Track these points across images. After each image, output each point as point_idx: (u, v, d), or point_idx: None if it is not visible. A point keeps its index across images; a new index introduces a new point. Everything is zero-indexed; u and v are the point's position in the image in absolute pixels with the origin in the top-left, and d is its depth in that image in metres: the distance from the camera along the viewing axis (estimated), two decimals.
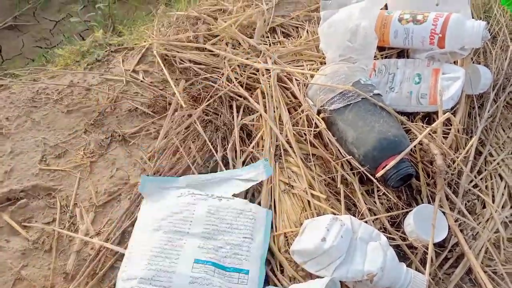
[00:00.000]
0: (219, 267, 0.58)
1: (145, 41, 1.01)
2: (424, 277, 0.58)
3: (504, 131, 0.82)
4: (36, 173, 0.76)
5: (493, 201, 0.72)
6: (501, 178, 0.75)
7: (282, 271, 0.62)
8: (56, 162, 0.78)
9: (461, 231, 0.65)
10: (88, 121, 0.83)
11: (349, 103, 0.71)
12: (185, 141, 0.77)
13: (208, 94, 0.82)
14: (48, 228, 0.69)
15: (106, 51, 1.02)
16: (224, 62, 0.86)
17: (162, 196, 0.68)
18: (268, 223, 0.65)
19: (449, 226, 0.65)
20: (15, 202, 0.72)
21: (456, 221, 0.66)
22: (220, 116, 0.80)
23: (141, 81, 0.90)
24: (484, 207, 0.71)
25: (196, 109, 0.80)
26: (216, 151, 0.75)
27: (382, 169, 0.66)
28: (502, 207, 0.71)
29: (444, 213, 0.66)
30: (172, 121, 0.80)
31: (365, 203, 0.67)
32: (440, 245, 0.66)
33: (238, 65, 0.86)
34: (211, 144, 0.76)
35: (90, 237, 0.68)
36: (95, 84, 0.91)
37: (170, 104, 0.83)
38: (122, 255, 0.65)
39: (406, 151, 0.66)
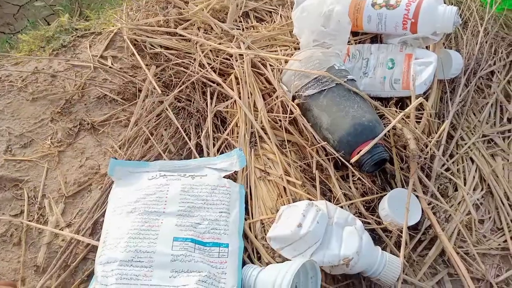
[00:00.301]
0: (198, 243, 0.58)
1: (113, 26, 0.98)
2: (399, 260, 0.59)
3: (475, 115, 0.83)
4: (1, 163, 0.73)
5: (465, 184, 0.73)
6: (472, 161, 0.76)
7: (259, 258, 0.61)
8: (22, 152, 0.75)
9: (434, 214, 0.66)
10: (55, 109, 0.80)
11: (323, 88, 0.70)
12: (157, 129, 0.75)
13: (180, 80, 0.80)
14: (16, 220, 0.67)
15: (72, 36, 0.98)
16: (196, 47, 0.84)
17: (132, 180, 0.66)
18: (242, 198, 0.65)
19: (422, 209, 0.66)
20: None
21: (429, 204, 0.67)
22: (193, 102, 0.78)
23: (110, 67, 0.87)
24: (456, 190, 0.72)
25: (167, 95, 0.78)
26: (190, 139, 0.73)
27: (357, 154, 0.66)
28: (474, 189, 0.73)
29: (417, 196, 0.67)
30: (142, 108, 0.78)
31: (340, 188, 0.67)
32: (414, 228, 0.67)
33: (211, 50, 0.84)
34: (184, 132, 0.74)
35: (60, 229, 0.65)
36: (61, 70, 0.88)
37: (140, 91, 0.81)
38: (94, 246, 0.63)
39: (380, 136, 0.66)
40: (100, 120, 0.78)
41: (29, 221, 0.67)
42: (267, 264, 0.60)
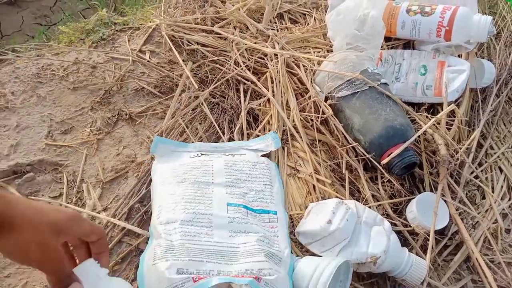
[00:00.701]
0: (249, 209, 0.61)
1: (151, 22, 1.01)
2: (425, 262, 0.60)
3: (505, 125, 0.83)
4: (43, 148, 0.76)
5: (493, 192, 0.73)
6: (501, 170, 0.77)
7: None
8: (63, 138, 0.78)
9: (462, 220, 0.67)
10: (95, 98, 0.83)
11: (356, 90, 0.72)
12: (192, 122, 0.78)
13: (216, 77, 0.83)
14: (55, 202, 0.70)
15: (111, 30, 1.01)
16: (232, 46, 0.87)
17: (174, 158, 0.69)
18: (279, 175, 0.69)
19: (450, 214, 0.67)
20: (22, 176, 0.72)
21: (457, 210, 0.67)
22: (227, 99, 0.80)
23: (148, 61, 0.90)
24: (483, 198, 0.73)
25: (203, 91, 0.81)
26: (223, 133, 0.76)
27: (388, 156, 0.67)
28: (501, 198, 0.73)
29: (445, 201, 0.67)
30: (179, 102, 0.80)
31: (369, 189, 0.68)
32: (440, 233, 0.68)
33: (246, 49, 0.86)
34: (218, 126, 0.77)
35: (97, 212, 0.68)
36: (101, 62, 0.91)
37: (177, 85, 0.84)
38: (129, 230, 0.66)
39: (411, 140, 0.67)
40: (138, 111, 0.81)
41: (68, 203, 0.70)
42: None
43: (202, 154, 0.68)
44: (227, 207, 0.60)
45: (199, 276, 0.51)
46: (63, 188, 0.72)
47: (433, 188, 0.70)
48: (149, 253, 0.56)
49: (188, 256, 0.54)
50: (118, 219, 0.67)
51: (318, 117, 0.73)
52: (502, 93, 0.86)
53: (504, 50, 0.90)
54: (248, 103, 0.80)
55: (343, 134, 0.72)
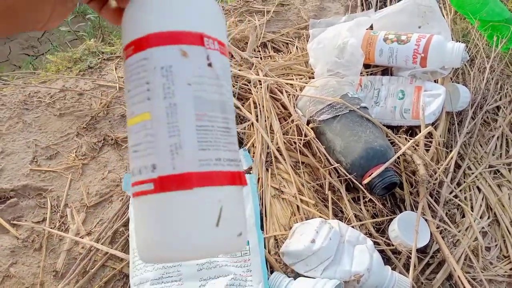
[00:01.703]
0: None
1: None
2: (408, 280, 0.61)
3: (481, 146, 0.86)
4: (27, 173, 0.76)
5: (472, 211, 0.75)
6: (479, 190, 0.79)
7: (271, 272, 0.63)
8: (47, 163, 0.78)
9: (442, 238, 0.68)
10: (81, 124, 0.84)
11: (337, 114, 0.74)
12: None
13: None
14: (38, 227, 0.69)
15: (98, 59, 1.03)
16: None
17: None
18: (254, 189, 0.67)
19: (431, 232, 0.68)
20: (5, 201, 0.72)
21: (437, 228, 0.69)
22: None
23: None
24: (463, 216, 0.75)
25: None
26: None
27: (368, 176, 0.69)
28: (480, 217, 0.75)
29: (426, 220, 0.69)
30: None
31: (352, 209, 0.69)
32: (422, 251, 0.69)
33: (231, 76, 0.88)
34: None
35: (81, 237, 0.68)
36: (88, 89, 0.93)
37: None
38: (113, 255, 0.66)
39: (391, 161, 0.69)
40: (123, 136, 0.82)
41: (51, 228, 0.69)
42: None
43: None
44: None
45: None
46: (46, 213, 0.72)
47: (413, 208, 0.71)
48: None
49: None
50: (102, 244, 0.67)
51: (300, 139, 0.75)
52: (477, 116, 0.89)
53: (478, 75, 0.94)
54: None
55: (325, 156, 0.73)
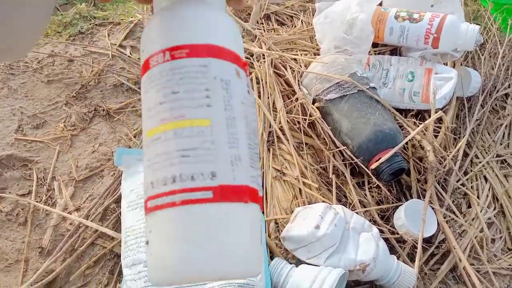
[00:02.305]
0: None
1: (132, 17, 0.97)
2: (414, 271, 0.58)
3: (489, 134, 0.83)
4: (12, 142, 0.71)
5: (478, 202, 0.73)
6: (486, 179, 0.76)
7: (271, 258, 0.60)
8: (34, 132, 0.73)
9: (449, 227, 0.66)
10: (70, 93, 0.79)
11: (345, 94, 0.70)
12: None
13: None
14: (23, 200, 0.65)
15: (90, 24, 0.97)
16: None
17: (140, 168, 0.63)
18: None
19: (438, 222, 0.65)
20: None
21: (444, 217, 0.66)
22: None
23: (128, 56, 0.86)
24: (469, 206, 0.72)
25: None
26: None
27: (376, 161, 0.65)
28: (487, 208, 0.72)
29: (433, 209, 0.66)
30: None
31: (356, 195, 0.66)
32: (427, 241, 0.66)
33: None
34: None
35: (68, 213, 0.64)
36: (78, 56, 0.87)
37: None
38: (103, 233, 0.62)
39: (400, 145, 0.65)
40: (116, 108, 0.77)
41: (37, 202, 0.65)
42: None
43: None
44: None
45: None
46: (32, 186, 0.67)
47: (420, 195, 0.68)
48: None
49: None
50: (91, 221, 0.63)
51: (305, 119, 0.71)
52: (486, 103, 0.86)
53: (489, 60, 0.91)
54: None
55: (331, 137, 0.69)
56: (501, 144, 0.83)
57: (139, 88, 0.80)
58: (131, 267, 0.54)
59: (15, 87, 0.79)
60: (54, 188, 0.67)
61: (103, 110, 0.76)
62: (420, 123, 0.71)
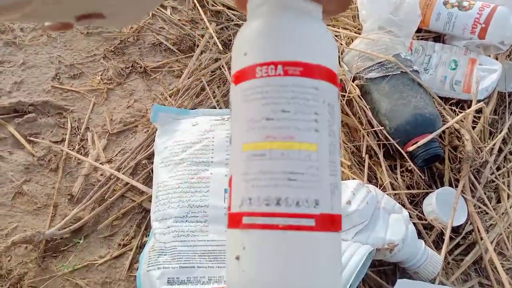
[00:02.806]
0: None
1: None
2: (440, 258, 0.58)
3: None
4: (48, 89, 0.71)
5: (508, 198, 0.71)
6: None
7: None
8: (70, 82, 0.73)
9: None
10: (109, 47, 0.79)
11: (387, 74, 0.69)
12: (209, 85, 0.74)
13: None
14: (56, 147, 0.65)
15: None
16: None
17: (175, 126, 0.63)
18: None
19: (468, 212, 0.64)
20: (23, 115, 0.68)
21: (475, 208, 0.65)
22: None
23: (169, 16, 0.86)
24: (498, 201, 0.71)
25: (225, 54, 0.77)
26: None
27: (413, 144, 0.64)
28: None
29: (465, 199, 0.65)
30: (198, 62, 0.76)
31: (388, 177, 0.65)
32: (453, 231, 0.65)
33: None
34: None
35: (100, 164, 0.64)
36: None
37: (197, 45, 0.79)
38: (133, 186, 0.62)
39: (439, 131, 0.64)
40: (153, 66, 0.76)
41: (70, 150, 0.65)
42: None
43: (204, 120, 0.63)
44: (224, 195, 0.56)
45: None
46: (65, 134, 0.67)
47: (452, 184, 0.67)
48: (145, 255, 0.54)
49: (178, 263, 0.51)
50: (123, 173, 0.63)
51: (343, 96, 0.70)
52: None
53: None
54: None
55: (367, 116, 0.68)
56: None
57: (177, 49, 0.79)
58: (160, 221, 0.54)
59: (55, 35, 0.79)
60: (87, 139, 0.67)
61: (140, 67, 0.76)
62: (460, 112, 0.70)
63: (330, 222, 0.24)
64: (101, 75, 0.74)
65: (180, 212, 0.54)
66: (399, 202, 0.64)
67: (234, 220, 0.24)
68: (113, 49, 0.78)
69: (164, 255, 0.52)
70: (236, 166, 0.25)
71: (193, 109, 0.68)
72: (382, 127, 0.67)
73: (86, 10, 0.23)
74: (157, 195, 0.57)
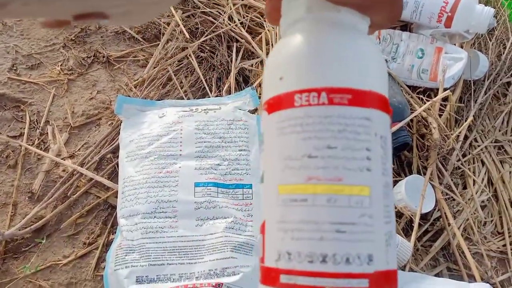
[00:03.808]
0: (221, 186, 0.55)
1: None
2: (410, 244, 0.58)
3: (489, 120, 0.83)
4: (4, 81, 0.67)
5: (474, 184, 0.73)
6: (483, 163, 0.77)
7: None
8: (28, 73, 0.69)
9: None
10: (69, 35, 0.75)
11: None
12: (176, 75, 0.71)
13: (206, 30, 0.76)
14: (14, 142, 0.62)
15: None
16: (228, 0, 0.81)
17: (141, 119, 0.61)
18: (260, 130, 0.62)
19: (436, 199, 0.65)
20: None
21: (442, 195, 0.66)
22: (217, 55, 0.74)
23: None
24: (464, 188, 0.72)
25: (192, 43, 0.75)
26: (211, 91, 0.70)
27: None
28: (482, 191, 0.73)
29: (433, 186, 0.66)
30: (164, 51, 0.74)
31: None
32: (422, 218, 0.66)
33: (242, 5, 0.80)
34: (205, 82, 0.71)
35: (62, 159, 0.61)
36: None
37: (163, 33, 0.77)
38: (98, 182, 0.60)
39: (408, 119, 0.65)
40: (116, 56, 0.73)
41: (29, 145, 0.62)
42: None
43: (171, 112, 0.61)
44: (194, 189, 0.54)
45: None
46: (24, 128, 0.64)
47: (420, 172, 0.68)
48: (112, 253, 0.52)
49: (147, 261, 0.50)
50: (86, 169, 0.60)
51: None
52: (490, 89, 0.85)
53: (496, 46, 0.90)
54: (240, 62, 0.74)
55: None
56: (500, 130, 0.83)
57: (142, 37, 0.77)
58: (127, 218, 0.52)
59: (10, 24, 0.74)
60: (47, 133, 0.64)
61: (103, 57, 0.72)
62: (427, 100, 0.70)
63: (385, 280, 0.20)
64: (61, 66, 0.71)
65: (148, 208, 0.52)
66: None
67: (269, 277, 0.20)
68: (73, 38, 0.74)
69: (132, 253, 0.50)
70: (270, 210, 0.21)
71: (160, 100, 0.66)
72: None
73: (84, 9, 0.20)
74: (124, 191, 0.55)
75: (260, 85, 0.72)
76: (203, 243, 0.51)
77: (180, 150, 0.57)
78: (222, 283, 0.47)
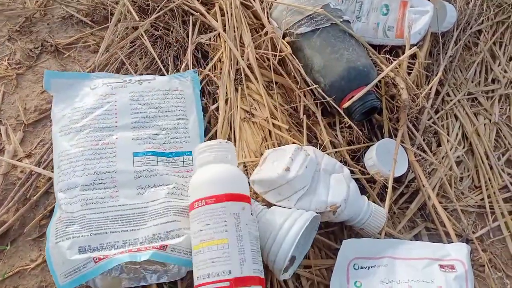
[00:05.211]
0: (160, 155, 0.56)
1: None
2: (384, 211, 0.57)
3: (461, 72, 0.81)
4: None
5: (448, 140, 0.72)
6: (456, 118, 0.75)
7: None
8: None
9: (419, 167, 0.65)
10: (13, 26, 0.70)
11: (317, 27, 0.65)
12: (130, 57, 0.68)
13: (158, 6, 0.72)
14: None
15: None
16: None
17: (73, 92, 0.60)
18: (198, 98, 0.63)
19: (408, 161, 0.64)
20: None
21: (415, 156, 0.65)
22: (172, 32, 0.71)
23: None
24: (439, 145, 0.71)
25: (143, 21, 0.70)
26: (168, 71, 0.67)
27: (349, 100, 0.62)
28: (456, 147, 0.72)
29: (404, 148, 0.65)
30: (114, 33, 0.70)
31: (327, 135, 0.64)
32: (397, 181, 0.65)
33: None
34: (162, 63, 0.68)
35: (19, 160, 0.58)
36: None
37: (112, 14, 0.72)
38: None
39: (373, 83, 0.62)
40: (65, 43, 0.69)
41: None
42: None
43: (104, 84, 0.60)
44: (133, 159, 0.54)
45: (99, 256, 0.47)
46: None
47: (392, 135, 0.67)
48: (52, 228, 0.50)
49: (89, 231, 0.49)
50: (44, 168, 0.58)
51: (275, 56, 0.66)
52: (460, 39, 0.83)
53: None
54: (197, 37, 0.71)
55: (301, 75, 0.65)
56: (472, 81, 0.81)
57: (91, 20, 0.72)
58: (65, 191, 0.52)
59: None
60: (1, 133, 0.61)
61: (51, 46, 0.68)
62: (394, 59, 0.68)
63: (241, 281, 0.42)
64: (8, 60, 0.67)
65: (87, 180, 0.52)
66: (341, 159, 0.63)
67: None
68: (18, 29, 0.70)
69: (72, 225, 0.49)
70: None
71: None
72: (317, 85, 0.64)
73: None
74: (59, 165, 0.54)
75: (220, 59, 0.68)
76: (146, 210, 0.51)
77: (116, 122, 0.56)
78: (167, 245, 0.48)
